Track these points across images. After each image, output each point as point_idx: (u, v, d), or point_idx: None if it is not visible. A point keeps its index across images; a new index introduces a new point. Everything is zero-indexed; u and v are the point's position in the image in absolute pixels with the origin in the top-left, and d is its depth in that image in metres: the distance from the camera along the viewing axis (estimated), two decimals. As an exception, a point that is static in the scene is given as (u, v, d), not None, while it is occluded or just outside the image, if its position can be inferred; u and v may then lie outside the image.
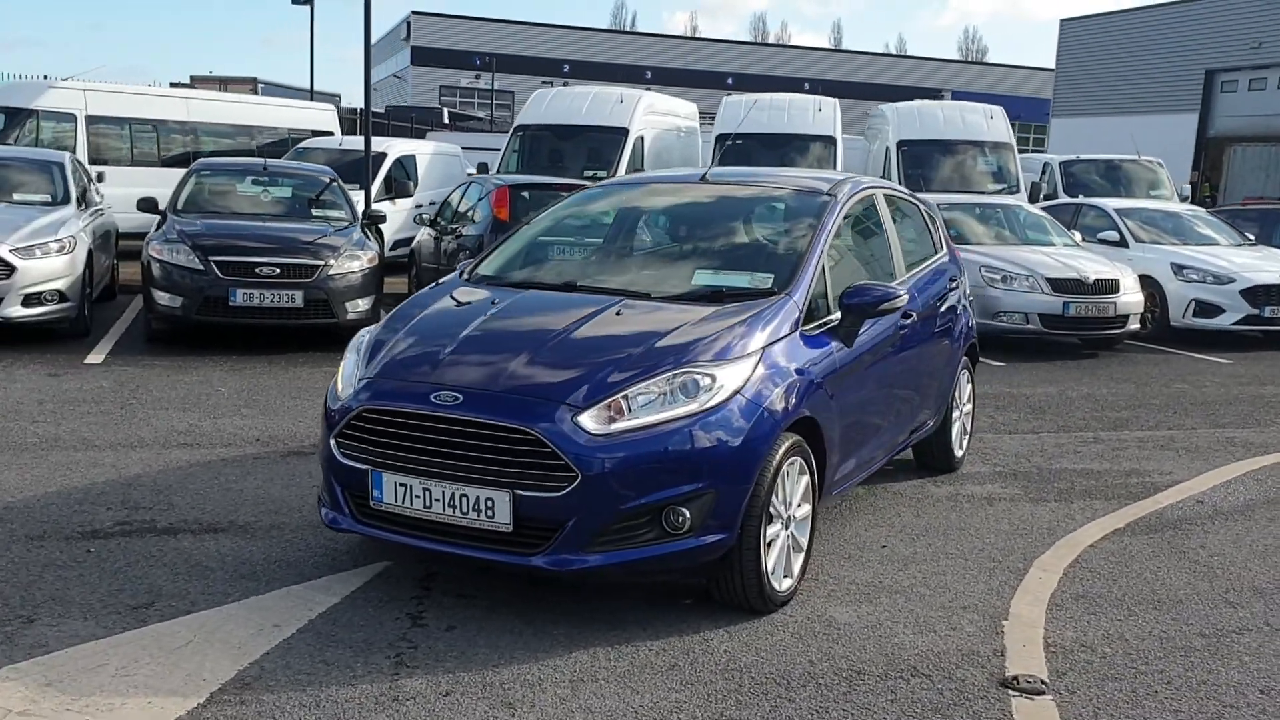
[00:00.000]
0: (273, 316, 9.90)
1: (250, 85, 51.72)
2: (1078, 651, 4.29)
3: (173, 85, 32.72)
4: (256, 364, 9.46)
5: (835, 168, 16.53)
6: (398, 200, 16.75)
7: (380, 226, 14.55)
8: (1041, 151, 34.07)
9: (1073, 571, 5.22)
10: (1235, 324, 13.05)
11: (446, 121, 39.55)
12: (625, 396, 4.20)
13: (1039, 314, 11.81)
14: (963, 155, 17.44)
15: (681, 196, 6.28)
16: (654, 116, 18.10)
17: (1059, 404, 9.41)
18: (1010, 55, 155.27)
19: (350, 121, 25.85)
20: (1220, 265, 13.33)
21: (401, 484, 4.22)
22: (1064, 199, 17.49)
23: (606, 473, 4.04)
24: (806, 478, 4.66)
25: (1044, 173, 19.75)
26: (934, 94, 53.39)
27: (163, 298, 9.88)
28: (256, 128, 19.81)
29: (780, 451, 4.39)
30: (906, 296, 5.34)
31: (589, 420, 4.12)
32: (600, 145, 16.97)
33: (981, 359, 11.02)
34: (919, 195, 7.29)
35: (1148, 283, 13.12)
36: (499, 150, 17.91)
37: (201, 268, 9.76)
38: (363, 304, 10.25)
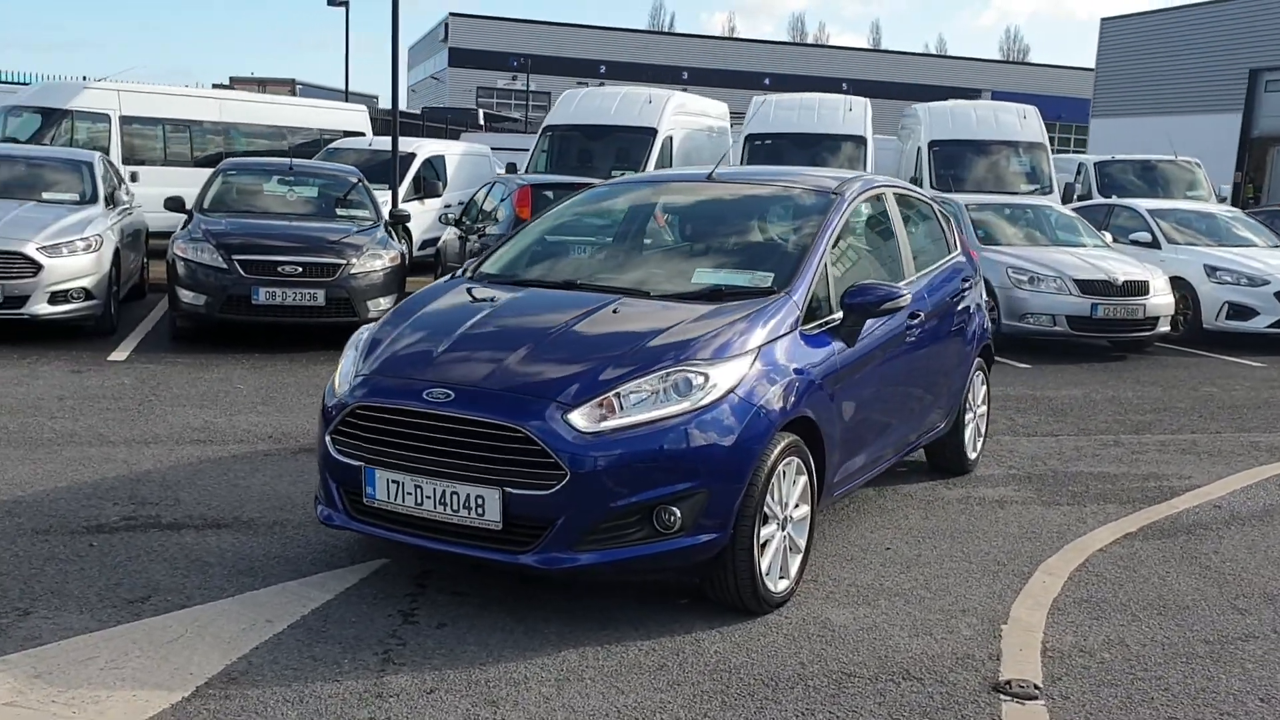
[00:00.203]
0: (295, 315, 9.98)
1: (289, 86, 52.13)
2: (1075, 656, 4.21)
3: (215, 86, 33.09)
4: (278, 362, 9.53)
5: (866, 168, 16.40)
6: (426, 200, 16.84)
7: (408, 226, 14.68)
8: (1083, 152, 33.59)
9: (1078, 576, 5.13)
10: (1269, 326, 12.80)
11: (482, 123, 39.67)
12: (617, 394, 4.18)
13: (1066, 315, 11.64)
14: (995, 155, 17.27)
15: (686, 195, 6.24)
16: (683, 116, 18.06)
17: (1082, 406, 9.28)
18: (1053, 55, 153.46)
19: (386, 122, 25.94)
20: (1255, 267, 13.09)
21: (393, 480, 4.23)
22: (1098, 200, 17.27)
23: (596, 471, 4.02)
24: (805, 478, 4.61)
25: (1078, 173, 19.47)
26: (973, 94, 52.96)
27: (187, 296, 9.99)
28: (288, 128, 19.97)
29: (776, 451, 4.35)
30: (910, 296, 5.26)
31: (579, 418, 4.09)
32: (629, 145, 16.96)
33: (1007, 361, 10.97)
34: (938, 195, 7.22)
35: (1180, 284, 12.92)
36: (529, 150, 17.95)
37: (225, 266, 9.85)
38: (385, 303, 10.27)
